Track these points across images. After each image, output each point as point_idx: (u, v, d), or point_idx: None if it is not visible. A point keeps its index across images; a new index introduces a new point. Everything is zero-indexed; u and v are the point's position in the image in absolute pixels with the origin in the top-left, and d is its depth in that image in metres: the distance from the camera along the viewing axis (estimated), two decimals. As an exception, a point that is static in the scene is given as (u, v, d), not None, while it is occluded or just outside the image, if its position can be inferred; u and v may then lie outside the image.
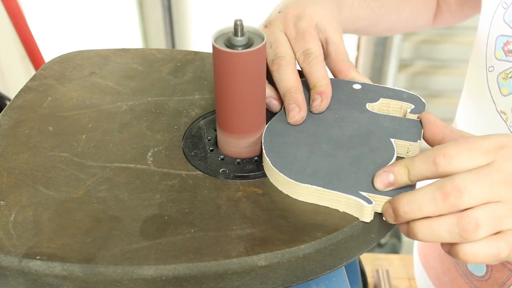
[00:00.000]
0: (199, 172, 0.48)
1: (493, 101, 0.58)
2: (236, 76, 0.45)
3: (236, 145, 0.49)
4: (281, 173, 0.45)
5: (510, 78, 0.56)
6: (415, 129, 0.49)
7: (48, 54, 1.35)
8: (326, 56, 0.55)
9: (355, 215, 0.43)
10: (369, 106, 0.52)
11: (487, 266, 0.62)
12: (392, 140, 0.48)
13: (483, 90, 0.60)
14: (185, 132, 0.53)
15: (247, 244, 0.41)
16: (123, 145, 0.51)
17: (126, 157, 0.50)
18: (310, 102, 0.51)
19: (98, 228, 0.43)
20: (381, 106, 0.53)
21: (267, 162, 0.47)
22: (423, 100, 0.52)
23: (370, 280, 1.04)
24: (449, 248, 0.41)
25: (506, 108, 0.57)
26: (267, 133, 0.49)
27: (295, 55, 0.53)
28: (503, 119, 0.57)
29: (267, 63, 0.53)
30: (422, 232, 0.40)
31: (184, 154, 0.50)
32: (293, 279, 0.42)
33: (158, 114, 0.55)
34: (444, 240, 0.40)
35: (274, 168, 0.46)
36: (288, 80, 0.51)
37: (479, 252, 0.39)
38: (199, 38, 1.84)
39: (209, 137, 0.52)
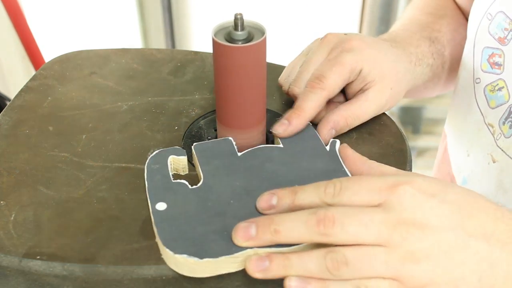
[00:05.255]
0: (199, 172, 0.48)
1: (481, 113, 0.56)
2: (236, 71, 0.45)
3: (236, 141, 0.49)
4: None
5: (497, 90, 0.54)
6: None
7: (48, 54, 1.35)
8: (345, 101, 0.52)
9: None
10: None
11: None
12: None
13: (470, 101, 0.58)
14: (185, 132, 0.53)
15: (247, 244, 0.41)
16: (123, 145, 0.51)
17: (126, 157, 0.50)
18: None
19: (98, 228, 0.43)
20: None
21: None
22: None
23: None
24: None
25: (493, 121, 0.55)
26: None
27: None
28: (490, 132, 0.56)
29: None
30: (292, 263, 0.36)
31: (184, 154, 0.50)
32: (293, 279, 0.42)
33: (158, 114, 0.55)
34: (312, 273, 0.36)
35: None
36: (310, 104, 0.48)
37: None
38: (199, 38, 1.84)
39: (209, 137, 0.52)
